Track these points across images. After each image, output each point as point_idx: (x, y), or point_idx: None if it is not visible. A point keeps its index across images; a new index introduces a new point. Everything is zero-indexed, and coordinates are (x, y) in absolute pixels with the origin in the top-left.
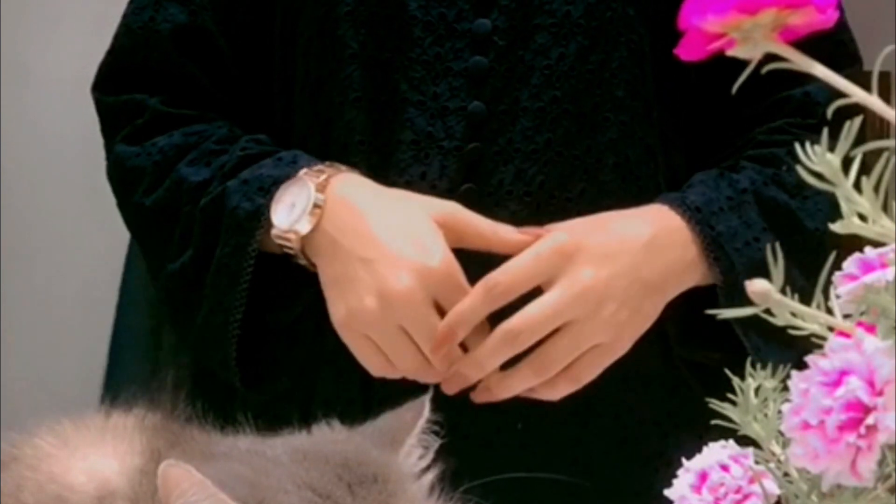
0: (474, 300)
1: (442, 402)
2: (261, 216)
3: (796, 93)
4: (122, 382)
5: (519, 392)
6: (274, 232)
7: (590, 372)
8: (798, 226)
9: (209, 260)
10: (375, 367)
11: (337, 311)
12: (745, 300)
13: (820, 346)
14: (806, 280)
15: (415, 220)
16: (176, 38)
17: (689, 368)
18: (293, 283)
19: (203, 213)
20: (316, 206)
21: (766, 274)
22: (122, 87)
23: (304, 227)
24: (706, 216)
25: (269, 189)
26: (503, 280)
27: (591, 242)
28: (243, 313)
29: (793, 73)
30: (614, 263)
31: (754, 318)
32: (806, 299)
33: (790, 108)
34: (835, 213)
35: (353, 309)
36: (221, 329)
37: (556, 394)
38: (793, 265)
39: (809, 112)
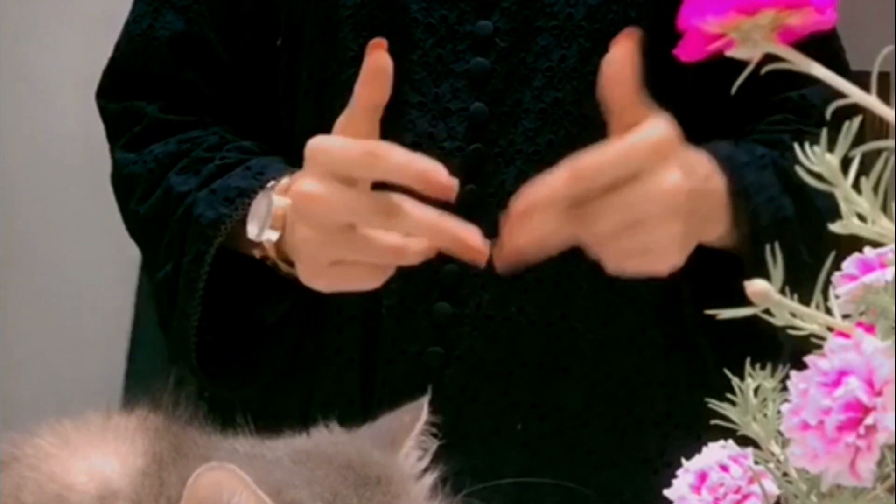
0: (557, 181)
1: (442, 403)
2: (220, 224)
3: (793, 95)
4: (141, 382)
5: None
6: (255, 246)
7: (631, 257)
8: (809, 198)
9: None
10: (369, 281)
11: (300, 271)
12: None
13: (819, 346)
14: (809, 257)
15: None
16: (174, 46)
17: (701, 329)
18: (280, 282)
19: (179, 223)
20: (279, 213)
21: (787, 234)
22: (123, 93)
23: (273, 235)
24: (736, 166)
25: (233, 199)
26: (590, 165)
27: (683, 148)
28: (234, 313)
29: (791, 77)
30: (696, 180)
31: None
32: (809, 282)
33: (788, 109)
34: (834, 212)
35: (300, 247)
36: (185, 335)
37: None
38: (800, 240)
39: (806, 114)
